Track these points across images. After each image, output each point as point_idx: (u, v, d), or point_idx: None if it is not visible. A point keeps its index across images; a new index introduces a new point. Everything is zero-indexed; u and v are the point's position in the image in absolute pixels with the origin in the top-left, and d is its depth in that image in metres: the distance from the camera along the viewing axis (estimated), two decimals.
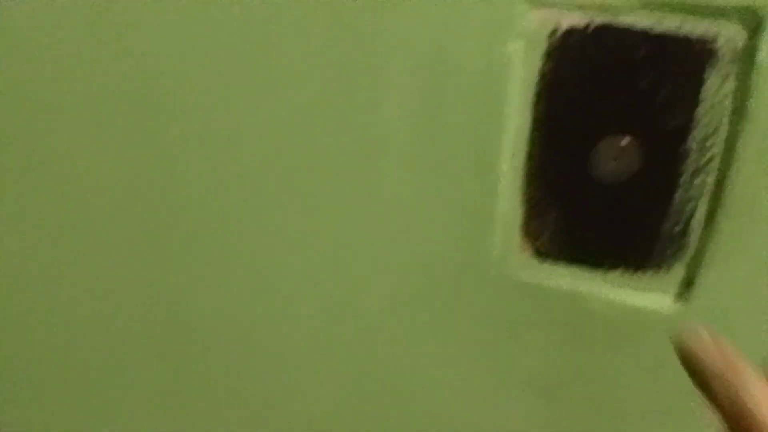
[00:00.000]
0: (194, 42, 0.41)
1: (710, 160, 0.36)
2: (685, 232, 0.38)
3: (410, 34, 0.39)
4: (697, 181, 0.37)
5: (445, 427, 0.50)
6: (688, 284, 0.39)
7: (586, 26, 0.36)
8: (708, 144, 0.36)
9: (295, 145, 0.43)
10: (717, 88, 0.35)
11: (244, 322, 0.51)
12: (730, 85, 0.35)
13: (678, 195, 0.38)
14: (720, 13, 0.33)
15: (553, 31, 0.36)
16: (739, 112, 0.35)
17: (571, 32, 0.36)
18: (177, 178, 0.46)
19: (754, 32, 0.33)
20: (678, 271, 0.39)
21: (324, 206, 0.45)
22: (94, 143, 0.46)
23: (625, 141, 0.37)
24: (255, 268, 0.48)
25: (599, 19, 0.35)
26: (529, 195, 0.41)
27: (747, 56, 0.34)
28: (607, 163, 0.38)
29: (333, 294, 0.47)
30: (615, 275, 0.41)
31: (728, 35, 0.34)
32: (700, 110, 0.35)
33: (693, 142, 0.36)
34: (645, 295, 0.40)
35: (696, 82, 0.35)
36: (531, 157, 0.40)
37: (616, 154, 0.38)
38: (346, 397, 0.52)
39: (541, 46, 0.37)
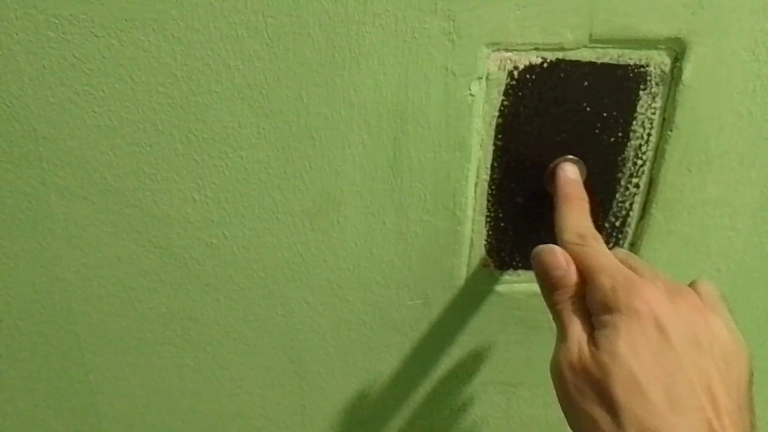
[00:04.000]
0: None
1: (643, 164, 0.42)
2: (624, 224, 0.44)
3: (377, 85, 0.38)
4: (633, 182, 0.43)
5: (430, 424, 0.53)
6: None
7: (541, 63, 0.38)
8: (642, 151, 0.42)
9: (262, 194, 0.42)
10: (648, 105, 0.40)
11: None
12: (659, 102, 0.40)
13: (618, 195, 0.43)
14: (651, 44, 0.38)
15: (512, 71, 0.38)
16: (666, 123, 0.40)
17: (527, 70, 0.38)
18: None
19: (678, 58, 0.38)
20: None
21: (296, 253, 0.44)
22: None
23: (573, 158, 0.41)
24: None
25: (552, 56, 0.38)
26: (491, 216, 0.43)
27: (672, 78, 0.39)
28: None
29: (325, 318, 0.48)
30: None
31: (657, 61, 0.39)
32: (635, 124, 0.41)
33: (630, 151, 0.42)
34: None
35: (631, 102, 0.40)
36: (492, 183, 0.42)
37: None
38: (334, 413, 0.52)
39: (501, 84, 0.39)
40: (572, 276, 0.35)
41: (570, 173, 0.40)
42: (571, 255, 0.36)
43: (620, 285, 0.32)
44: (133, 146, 0.40)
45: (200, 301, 0.47)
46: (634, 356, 0.30)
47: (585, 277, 0.35)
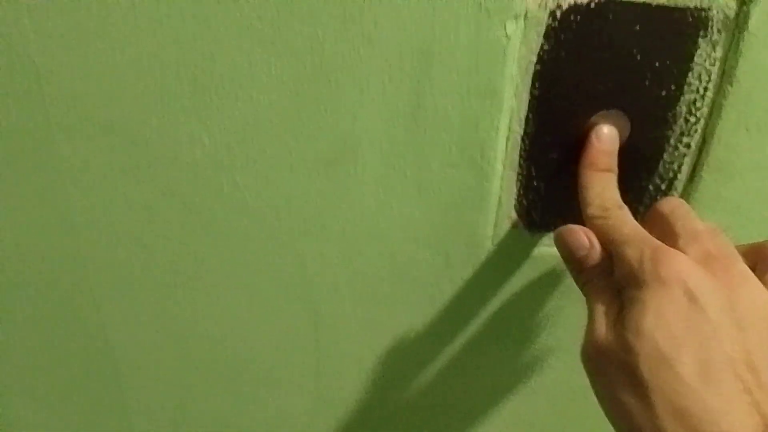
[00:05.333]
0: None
1: (697, 121, 0.38)
2: (669, 188, 0.40)
3: (400, 22, 0.34)
4: (683, 142, 0.38)
5: (449, 386, 0.52)
6: None
7: (588, 3, 0.34)
8: (696, 107, 0.37)
9: (274, 139, 0.39)
10: (707, 55, 0.35)
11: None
12: (719, 52, 0.35)
13: (666, 155, 0.39)
14: None
15: (554, 10, 0.34)
16: (726, 76, 0.36)
17: (572, 10, 0.34)
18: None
19: (745, 1, 0.33)
20: None
21: (312, 201, 0.42)
22: None
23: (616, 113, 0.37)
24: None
25: None
26: (521, 173, 0.40)
27: (737, 25, 0.34)
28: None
29: (340, 270, 0.46)
30: None
31: (720, 5, 0.34)
32: (691, 76, 0.36)
33: (682, 106, 0.37)
34: None
35: (688, 50, 0.35)
36: (525, 136, 0.38)
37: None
38: (350, 367, 0.51)
39: (541, 25, 0.34)
40: (596, 254, 0.32)
41: (604, 141, 0.36)
42: (594, 229, 0.33)
43: (647, 256, 0.29)
44: (138, 84, 0.38)
45: (211, 247, 0.45)
46: (661, 329, 0.27)
47: (611, 251, 0.31)
